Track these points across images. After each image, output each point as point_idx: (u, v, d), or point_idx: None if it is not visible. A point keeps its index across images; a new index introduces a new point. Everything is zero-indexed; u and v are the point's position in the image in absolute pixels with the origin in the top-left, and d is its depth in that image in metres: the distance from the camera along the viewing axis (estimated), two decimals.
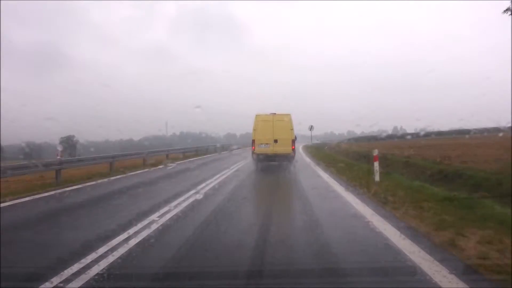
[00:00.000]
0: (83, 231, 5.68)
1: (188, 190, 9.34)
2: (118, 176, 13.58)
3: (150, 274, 3.83)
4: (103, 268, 3.88)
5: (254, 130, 16.17)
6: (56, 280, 3.56)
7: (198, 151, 29.12)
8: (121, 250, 4.47)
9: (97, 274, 3.72)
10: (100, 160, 15.15)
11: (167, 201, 7.71)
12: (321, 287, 3.46)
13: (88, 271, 3.79)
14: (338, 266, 3.86)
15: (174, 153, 25.66)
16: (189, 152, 27.97)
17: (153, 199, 8.19)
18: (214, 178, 12.12)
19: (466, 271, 3.61)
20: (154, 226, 5.65)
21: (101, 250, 4.43)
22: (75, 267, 3.87)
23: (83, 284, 3.49)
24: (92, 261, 4.07)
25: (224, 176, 12.75)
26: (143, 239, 5.00)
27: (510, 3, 10.59)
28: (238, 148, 37.80)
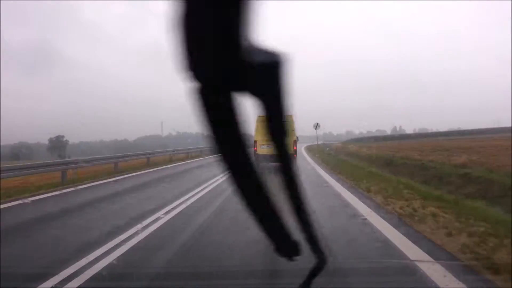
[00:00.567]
0: None
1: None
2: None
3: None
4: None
5: (255, 131, 16.01)
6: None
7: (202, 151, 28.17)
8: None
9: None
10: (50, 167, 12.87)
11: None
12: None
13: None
14: None
15: (177, 153, 24.90)
16: (193, 152, 27.26)
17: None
18: None
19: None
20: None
21: None
22: None
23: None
24: None
25: None
26: None
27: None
28: None
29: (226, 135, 0.63)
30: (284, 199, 0.80)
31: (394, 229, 5.13)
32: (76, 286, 3.45)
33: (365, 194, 8.43)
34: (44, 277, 3.60)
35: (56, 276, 3.63)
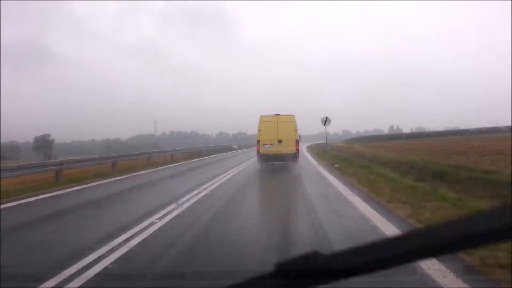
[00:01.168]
0: None
1: None
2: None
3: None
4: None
5: (259, 130, 16.54)
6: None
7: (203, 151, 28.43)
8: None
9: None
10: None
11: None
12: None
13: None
14: None
15: (176, 153, 25.02)
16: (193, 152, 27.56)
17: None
18: None
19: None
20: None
21: None
22: None
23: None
24: None
25: None
26: None
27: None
28: (239, 149, 37.73)
29: None
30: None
31: None
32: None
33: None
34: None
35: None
